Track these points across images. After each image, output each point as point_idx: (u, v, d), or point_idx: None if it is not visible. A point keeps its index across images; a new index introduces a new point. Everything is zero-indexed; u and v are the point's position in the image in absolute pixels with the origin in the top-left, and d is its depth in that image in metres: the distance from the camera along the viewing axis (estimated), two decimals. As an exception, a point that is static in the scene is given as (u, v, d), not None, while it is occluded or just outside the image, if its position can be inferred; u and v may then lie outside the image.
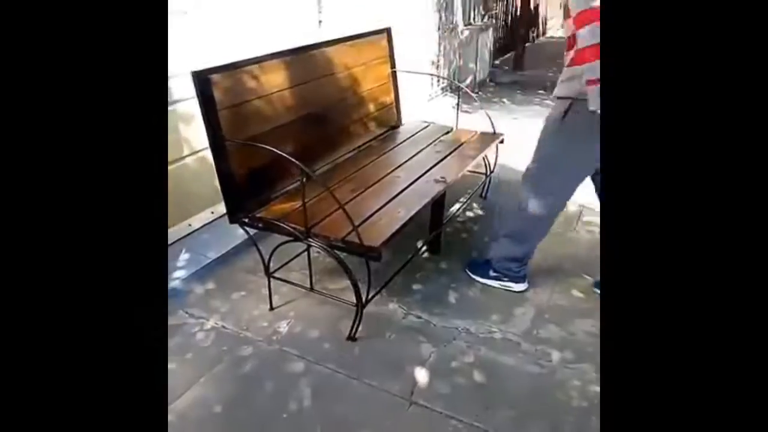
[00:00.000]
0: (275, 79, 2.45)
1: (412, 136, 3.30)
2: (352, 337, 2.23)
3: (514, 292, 2.54)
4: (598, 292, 2.49)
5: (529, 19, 8.64)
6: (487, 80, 7.14)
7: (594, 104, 1.88)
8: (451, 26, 5.98)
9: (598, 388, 1.98)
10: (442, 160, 2.88)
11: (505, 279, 2.55)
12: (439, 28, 5.73)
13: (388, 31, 3.31)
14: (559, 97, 2.15)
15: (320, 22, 3.75)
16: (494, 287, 2.57)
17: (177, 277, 2.60)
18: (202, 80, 2.07)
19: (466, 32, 6.32)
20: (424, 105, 5.58)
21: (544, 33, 10.72)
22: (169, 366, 2.08)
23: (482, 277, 2.61)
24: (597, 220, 3.27)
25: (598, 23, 1.74)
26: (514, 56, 7.53)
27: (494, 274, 2.57)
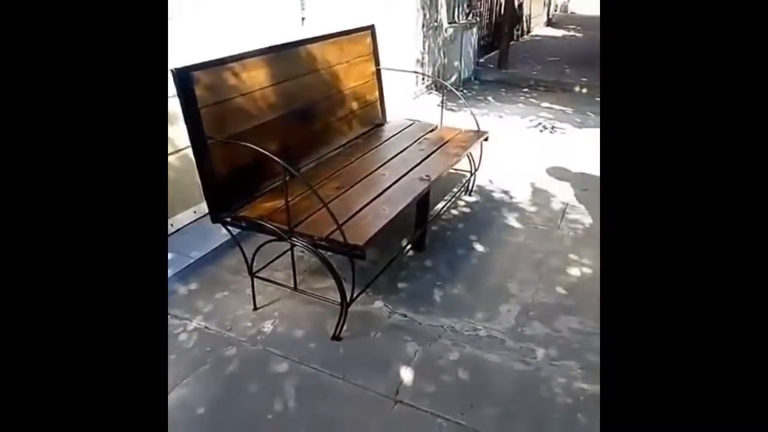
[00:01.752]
0: (258, 77, 2.43)
1: (397, 133, 3.29)
2: (337, 337, 2.22)
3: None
4: None
5: (513, 17, 8.67)
6: (472, 78, 7.16)
7: None
8: (435, 24, 5.98)
9: (582, 385, 1.99)
10: (426, 157, 2.88)
11: None
12: (423, 26, 5.73)
13: (371, 29, 3.30)
14: None
15: (303, 19, 3.72)
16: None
17: (159, 277, 2.56)
18: (182, 78, 2.04)
19: (451, 30, 6.33)
20: (408, 103, 5.57)
21: (528, 31, 10.78)
22: (151, 368, 2.06)
23: None
24: (581, 217, 3.29)
25: None
26: (498, 54, 7.56)
27: None
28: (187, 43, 2.69)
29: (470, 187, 3.61)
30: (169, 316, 2.35)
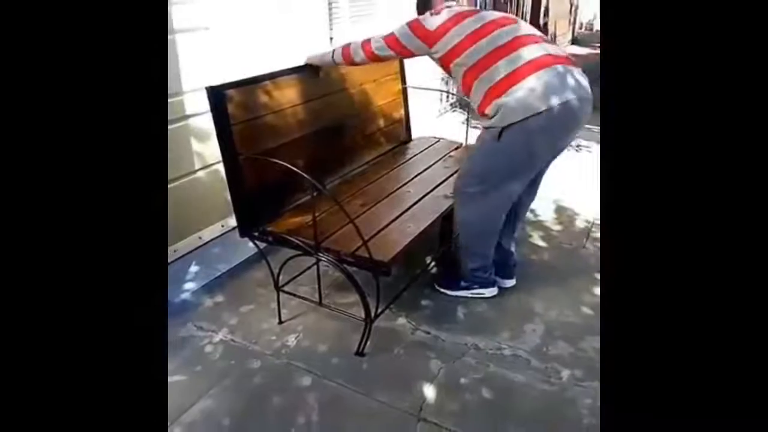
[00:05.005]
0: (288, 95, 2.48)
1: (422, 151, 3.31)
2: (360, 352, 2.22)
3: (486, 297, 2.60)
4: None
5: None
6: (496, 96, 7.16)
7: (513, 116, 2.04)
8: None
9: (608, 407, 1.96)
10: (451, 175, 2.89)
11: (475, 287, 2.60)
12: (448, 45, 5.77)
13: (398, 48, 3.34)
14: (488, 127, 2.17)
15: (331, 39, 3.80)
16: (468, 297, 2.61)
17: (187, 289, 2.61)
18: (216, 95, 2.10)
19: (476, 49, 6.36)
20: (433, 121, 5.61)
21: (553, 50, 10.76)
22: (178, 378, 2.09)
23: (453, 290, 2.64)
24: (607, 236, 3.25)
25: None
26: (523, 73, 7.55)
27: (464, 284, 2.61)
28: (220, 61, 2.77)
29: (494, 205, 3.60)
30: (195, 328, 2.39)
